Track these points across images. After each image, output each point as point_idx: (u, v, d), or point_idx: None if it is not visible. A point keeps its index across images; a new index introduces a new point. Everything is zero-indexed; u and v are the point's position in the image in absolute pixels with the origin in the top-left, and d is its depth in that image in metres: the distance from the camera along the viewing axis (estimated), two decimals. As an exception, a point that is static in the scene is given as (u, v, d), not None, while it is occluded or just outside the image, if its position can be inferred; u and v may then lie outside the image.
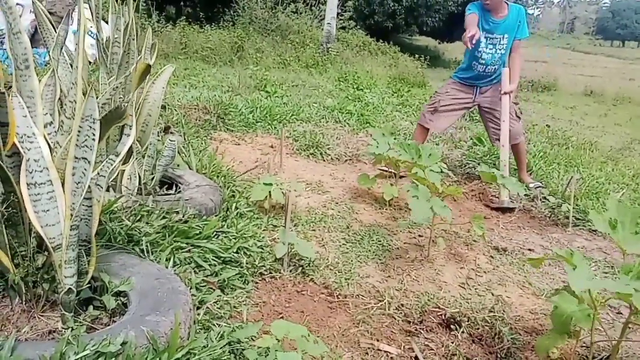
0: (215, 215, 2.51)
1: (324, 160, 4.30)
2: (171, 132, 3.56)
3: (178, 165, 2.78)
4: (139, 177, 2.39)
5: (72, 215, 1.29)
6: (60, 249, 1.31)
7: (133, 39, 2.30)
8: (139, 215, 2.14)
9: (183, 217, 2.26)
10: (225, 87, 6.84)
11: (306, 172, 3.88)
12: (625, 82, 15.63)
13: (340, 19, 16.09)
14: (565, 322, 1.68)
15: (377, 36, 17.43)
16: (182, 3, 15.48)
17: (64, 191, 1.30)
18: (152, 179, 2.47)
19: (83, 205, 1.36)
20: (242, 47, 11.54)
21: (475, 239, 2.90)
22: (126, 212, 2.09)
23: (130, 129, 1.49)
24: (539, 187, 3.77)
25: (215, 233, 2.32)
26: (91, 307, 1.47)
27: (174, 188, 2.64)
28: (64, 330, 1.35)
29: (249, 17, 14.51)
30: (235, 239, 2.37)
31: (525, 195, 3.62)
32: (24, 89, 1.39)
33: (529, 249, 2.94)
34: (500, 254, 2.82)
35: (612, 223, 1.90)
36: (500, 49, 3.65)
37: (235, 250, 2.28)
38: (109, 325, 1.46)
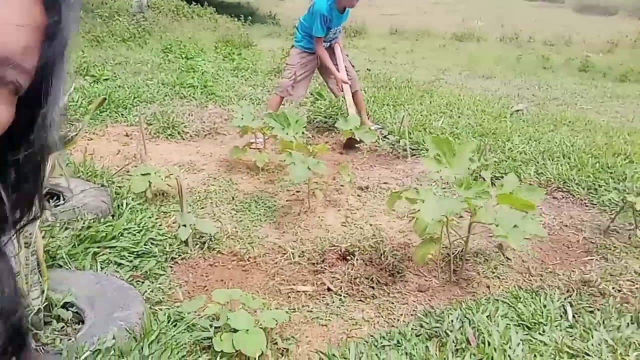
0: (112, 215, 2.58)
1: (184, 140, 4.40)
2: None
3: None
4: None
5: (27, 243, 1.37)
6: (19, 275, 1.39)
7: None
8: (43, 232, 2.14)
9: (84, 223, 2.31)
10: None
11: (172, 154, 3.97)
12: (422, 16, 17.70)
13: (146, -16, 15.22)
14: (426, 230, 2.24)
15: (189, -1, 16.86)
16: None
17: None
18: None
19: (26, 233, 1.44)
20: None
21: (342, 184, 3.40)
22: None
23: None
24: (379, 128, 4.42)
25: (120, 232, 2.42)
26: (54, 321, 1.57)
27: (61, 198, 2.61)
28: (38, 347, 1.45)
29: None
30: (139, 232, 2.50)
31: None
32: None
33: (384, 182, 3.54)
34: (364, 192, 3.36)
35: (437, 159, 2.50)
36: (340, 30, 4.20)
37: (144, 243, 2.42)
38: (71, 335, 1.58)
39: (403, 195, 2.30)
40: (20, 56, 0.41)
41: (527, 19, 16.09)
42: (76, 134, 1.51)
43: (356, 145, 4.08)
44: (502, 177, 3.49)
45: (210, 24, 13.85)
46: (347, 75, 4.26)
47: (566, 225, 2.94)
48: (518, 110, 5.21)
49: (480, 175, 3.32)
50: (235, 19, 14.00)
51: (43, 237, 2.14)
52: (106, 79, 6.32)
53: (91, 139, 4.21)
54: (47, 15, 0.43)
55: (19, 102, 0.44)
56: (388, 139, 4.22)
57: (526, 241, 2.51)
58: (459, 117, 4.82)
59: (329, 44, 4.25)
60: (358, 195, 3.31)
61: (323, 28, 3.99)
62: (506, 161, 3.65)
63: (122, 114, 4.84)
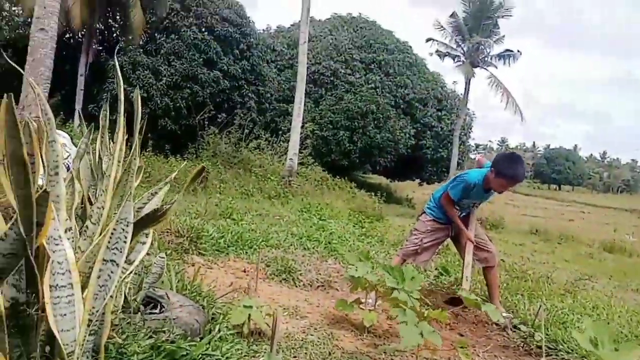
0: (200, 337, 2.42)
1: (296, 286, 4.29)
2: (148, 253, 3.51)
3: (162, 282, 2.72)
4: (124, 293, 2.32)
5: (90, 320, 1.26)
6: (72, 356, 1.25)
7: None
8: (126, 334, 2.04)
9: (169, 337, 2.17)
10: (193, 213, 6.90)
11: (281, 296, 3.83)
12: (566, 222, 16.82)
13: (300, 155, 17.06)
14: None
15: (334, 172, 18.38)
16: (148, 135, 16.12)
17: (83, 295, 1.28)
18: (138, 295, 2.39)
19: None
20: (206, 177, 11.85)
21: (457, 366, 2.88)
22: (114, 329, 1.99)
23: (147, 237, 1.52)
24: (508, 317, 3.87)
25: (200, 356, 2.22)
26: None
27: (158, 308, 2.55)
28: None
29: (212, 151, 15.15)
30: (220, 362, 2.27)
31: (495, 324, 3.72)
32: (52, 193, 1.43)
33: (510, 378, 2.93)
34: (484, 383, 2.79)
35: (593, 342, 2.02)
36: (477, 205, 4.14)
37: (221, 375, 2.17)
38: None
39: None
40: None
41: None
42: (169, 208, 1.46)
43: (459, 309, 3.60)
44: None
45: (348, 196, 14.66)
46: (487, 249, 3.99)
47: None
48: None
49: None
50: (372, 195, 14.68)
51: (126, 339, 2.03)
52: (243, 223, 6.73)
53: (211, 268, 4.30)
54: None
55: None
56: (519, 329, 3.63)
57: None
58: (609, 323, 4.05)
59: (462, 213, 4.08)
60: (475, 385, 2.75)
61: (459, 194, 3.85)
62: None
63: (246, 252, 4.97)
